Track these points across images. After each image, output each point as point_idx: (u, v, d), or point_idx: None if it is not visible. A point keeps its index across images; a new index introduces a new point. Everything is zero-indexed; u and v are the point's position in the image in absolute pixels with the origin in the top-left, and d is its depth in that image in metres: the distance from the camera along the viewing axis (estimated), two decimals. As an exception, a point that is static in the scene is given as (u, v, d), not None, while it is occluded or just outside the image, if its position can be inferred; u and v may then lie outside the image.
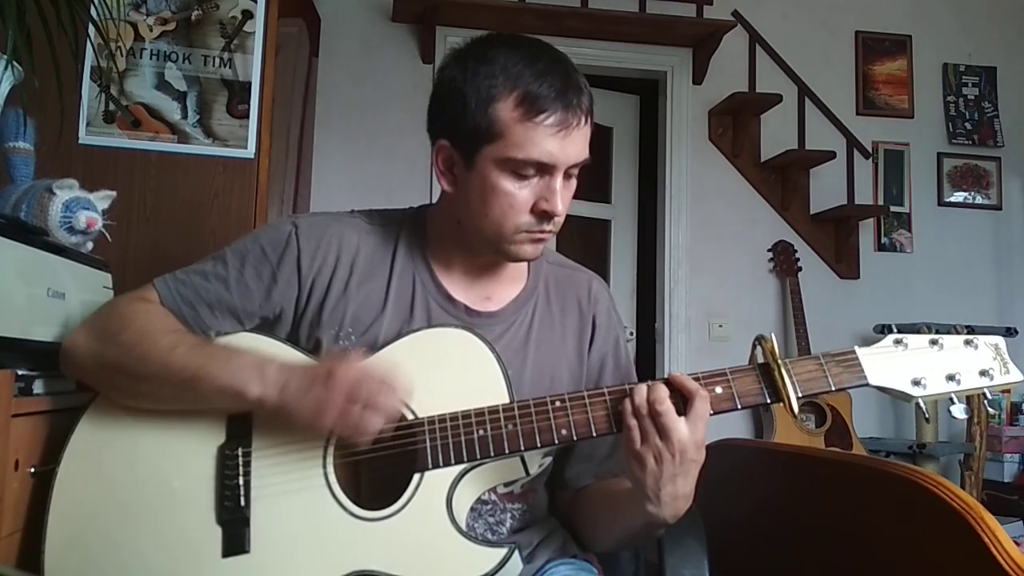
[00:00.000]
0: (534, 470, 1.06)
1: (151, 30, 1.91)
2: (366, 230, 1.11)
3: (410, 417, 0.97)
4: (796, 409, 0.95)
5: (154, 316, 1.02)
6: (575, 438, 0.96)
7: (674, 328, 3.51)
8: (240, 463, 0.96)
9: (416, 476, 0.96)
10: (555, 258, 1.21)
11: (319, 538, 0.94)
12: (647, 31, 3.50)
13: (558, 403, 0.96)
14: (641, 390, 0.94)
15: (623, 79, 3.76)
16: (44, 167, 1.36)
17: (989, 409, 1.01)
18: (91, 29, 1.51)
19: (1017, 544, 0.91)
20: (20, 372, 0.98)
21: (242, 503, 0.95)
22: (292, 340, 1.06)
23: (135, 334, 0.98)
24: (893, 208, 3.69)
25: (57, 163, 1.54)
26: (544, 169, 0.99)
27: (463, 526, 0.96)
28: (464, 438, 0.96)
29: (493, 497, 1.07)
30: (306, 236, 1.07)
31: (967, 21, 3.85)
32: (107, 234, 1.32)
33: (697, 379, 0.96)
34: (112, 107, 1.88)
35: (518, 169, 0.98)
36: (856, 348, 0.99)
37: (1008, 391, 3.27)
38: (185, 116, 1.91)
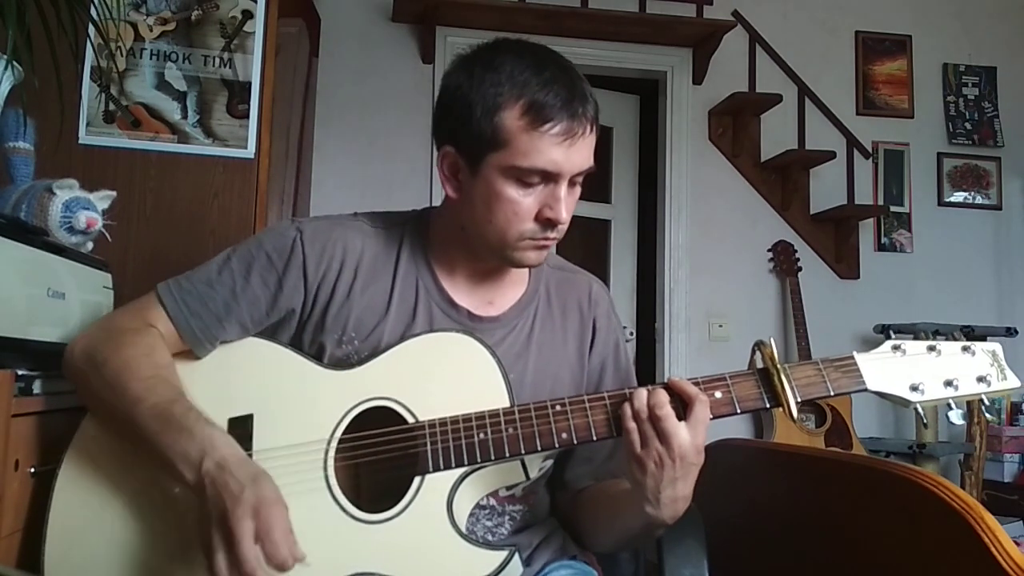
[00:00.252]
0: (534, 474, 1.06)
1: (151, 30, 1.91)
2: (370, 234, 1.11)
3: (411, 421, 0.97)
4: (795, 414, 0.96)
5: (139, 352, 0.98)
6: (575, 442, 0.96)
7: (674, 328, 3.51)
8: None
9: (417, 479, 0.96)
10: (555, 261, 1.21)
11: (320, 540, 0.94)
12: (647, 31, 3.50)
13: (558, 407, 0.96)
14: (641, 395, 0.93)
15: (623, 79, 3.76)
16: (44, 167, 1.36)
17: (987, 416, 1.02)
18: (91, 29, 1.51)
19: (1017, 544, 0.91)
20: (20, 372, 0.98)
21: None
22: (295, 344, 1.06)
23: (113, 371, 0.96)
24: (893, 208, 3.69)
25: (57, 163, 1.54)
26: (549, 177, 0.99)
27: (463, 529, 0.96)
28: (465, 441, 0.95)
29: (492, 501, 1.07)
30: (311, 241, 1.07)
31: (967, 21, 3.85)
32: (107, 234, 1.32)
33: (697, 384, 0.96)
34: (112, 107, 1.88)
35: (523, 177, 0.98)
36: (855, 354, 1.00)
37: (1008, 391, 3.29)
38: (185, 116, 1.91)
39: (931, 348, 1.00)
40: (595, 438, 0.96)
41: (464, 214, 1.05)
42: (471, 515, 1.02)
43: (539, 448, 0.96)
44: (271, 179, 2.01)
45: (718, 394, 0.96)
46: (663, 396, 0.93)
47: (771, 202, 3.61)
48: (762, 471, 1.47)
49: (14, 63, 1.20)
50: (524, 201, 1.00)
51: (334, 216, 1.14)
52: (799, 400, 0.96)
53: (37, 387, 1.02)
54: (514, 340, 1.10)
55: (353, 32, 3.39)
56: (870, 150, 3.70)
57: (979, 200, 3.78)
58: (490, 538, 1.06)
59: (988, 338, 1.60)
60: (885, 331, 1.02)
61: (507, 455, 0.96)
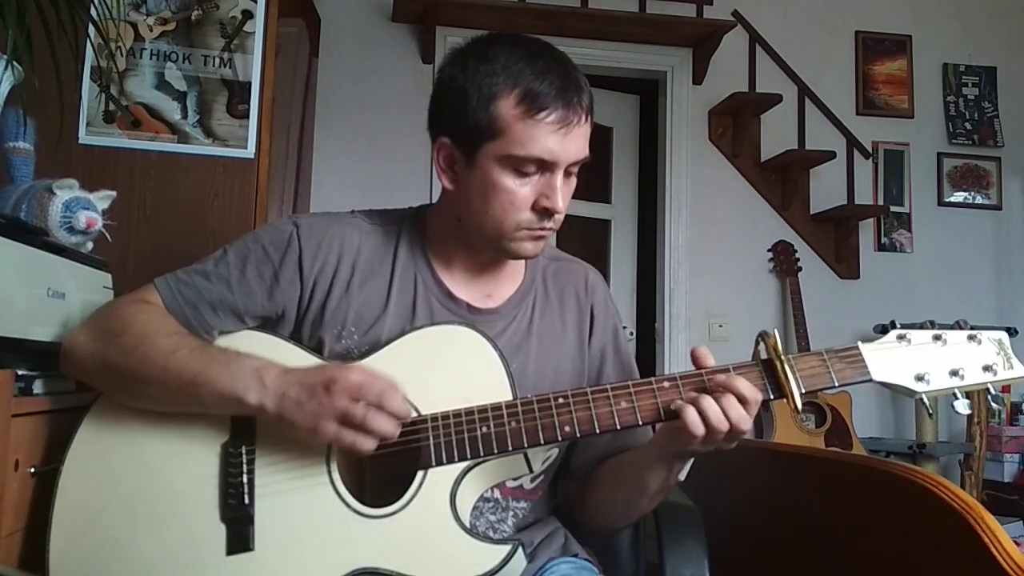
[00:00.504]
0: (537, 467, 1.06)
1: (151, 30, 1.91)
2: (367, 230, 1.11)
3: (413, 415, 0.98)
4: (799, 405, 0.95)
5: (155, 318, 1.01)
6: (578, 435, 0.96)
7: (674, 328, 3.51)
8: (244, 461, 0.96)
9: (420, 473, 0.96)
10: (550, 252, 1.21)
11: (323, 535, 0.94)
12: (647, 31, 3.50)
13: (561, 400, 0.96)
14: (717, 411, 0.92)
15: (623, 79, 3.76)
16: (44, 167, 1.36)
17: (993, 405, 1.01)
18: (91, 29, 1.51)
19: (1017, 544, 0.91)
20: (20, 372, 0.98)
21: (246, 501, 0.95)
22: (295, 339, 1.06)
23: (135, 336, 0.98)
24: (893, 208, 3.70)
25: (57, 163, 1.54)
26: (545, 166, 0.99)
27: (467, 523, 0.96)
28: (468, 435, 0.96)
29: (496, 494, 1.07)
30: (307, 236, 1.07)
31: (967, 21, 3.85)
32: (107, 234, 1.32)
33: (701, 374, 0.96)
34: (112, 107, 1.88)
35: (519, 166, 0.99)
36: (859, 343, 0.99)
37: (1008, 390, 3.29)
38: (185, 116, 1.91)
39: (936, 337, 0.99)
40: (598, 431, 0.96)
41: (461, 205, 1.06)
42: (475, 509, 1.03)
43: (542, 441, 0.96)
44: (271, 179, 2.01)
45: (723, 377, 0.96)
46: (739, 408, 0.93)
47: (771, 202, 3.61)
48: (762, 471, 1.47)
49: (14, 63, 1.20)
50: (520, 191, 1.00)
51: (331, 213, 1.14)
52: (803, 391, 0.95)
53: (37, 387, 1.02)
54: (514, 331, 1.11)
55: (353, 32, 3.39)
56: (870, 150, 3.71)
57: (979, 200, 3.78)
58: (492, 534, 1.06)
59: (988, 337, 1.59)
60: (885, 331, 1.02)
61: (510, 448, 0.96)
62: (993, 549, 0.90)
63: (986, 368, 0.98)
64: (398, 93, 3.36)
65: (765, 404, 0.98)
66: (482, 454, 0.96)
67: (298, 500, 0.95)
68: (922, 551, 1.04)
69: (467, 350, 1.01)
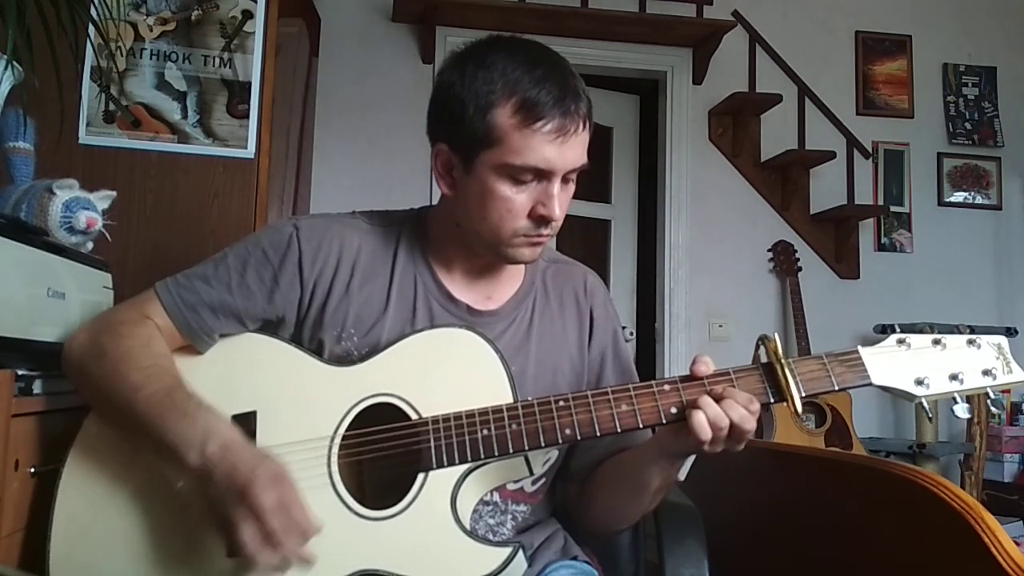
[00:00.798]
0: (538, 469, 1.06)
1: (151, 30, 1.91)
2: (367, 231, 1.11)
3: (414, 417, 0.98)
4: (799, 408, 0.95)
5: (137, 344, 0.99)
6: (579, 437, 0.96)
7: (674, 328, 3.51)
8: None
9: (420, 476, 0.96)
10: (550, 254, 1.21)
11: (324, 538, 0.94)
12: (647, 31, 3.50)
13: (561, 402, 0.96)
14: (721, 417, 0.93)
15: (623, 79, 3.76)
16: (44, 167, 1.36)
17: (992, 408, 1.01)
18: (91, 29, 1.51)
19: (1017, 544, 0.91)
20: (20, 372, 0.98)
21: None
22: (296, 341, 1.06)
23: (111, 363, 0.97)
24: (893, 208, 3.69)
25: (57, 163, 1.54)
26: (542, 175, 0.99)
27: (467, 526, 0.96)
28: (468, 438, 0.96)
29: (496, 497, 1.07)
30: (307, 237, 1.07)
31: (967, 21, 3.85)
32: (107, 234, 1.32)
33: (701, 378, 0.97)
34: (112, 107, 1.88)
35: (516, 175, 0.99)
36: (859, 348, 0.99)
37: (1008, 391, 3.29)
38: (185, 116, 1.91)
39: (936, 342, 1.00)
40: (599, 433, 0.96)
41: (458, 211, 1.06)
42: (475, 512, 1.03)
43: (542, 444, 0.96)
44: (271, 179, 2.01)
45: (720, 388, 0.96)
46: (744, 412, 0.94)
47: (771, 202, 3.61)
48: (762, 471, 1.47)
49: (14, 63, 1.19)
50: (517, 198, 1.00)
51: (331, 214, 1.14)
52: (803, 395, 0.95)
53: (37, 387, 1.02)
54: (514, 333, 1.11)
55: (353, 32, 3.39)
56: (870, 150, 3.70)
57: (979, 200, 3.78)
58: (492, 537, 1.06)
59: (988, 338, 1.59)
60: (885, 331, 1.02)
61: (511, 451, 0.96)
62: (993, 549, 0.90)
63: (985, 372, 0.99)
64: (398, 93, 3.36)
65: (765, 406, 0.99)
66: (483, 456, 0.96)
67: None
68: (922, 551, 1.04)
69: (467, 353, 1.01)
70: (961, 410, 0.99)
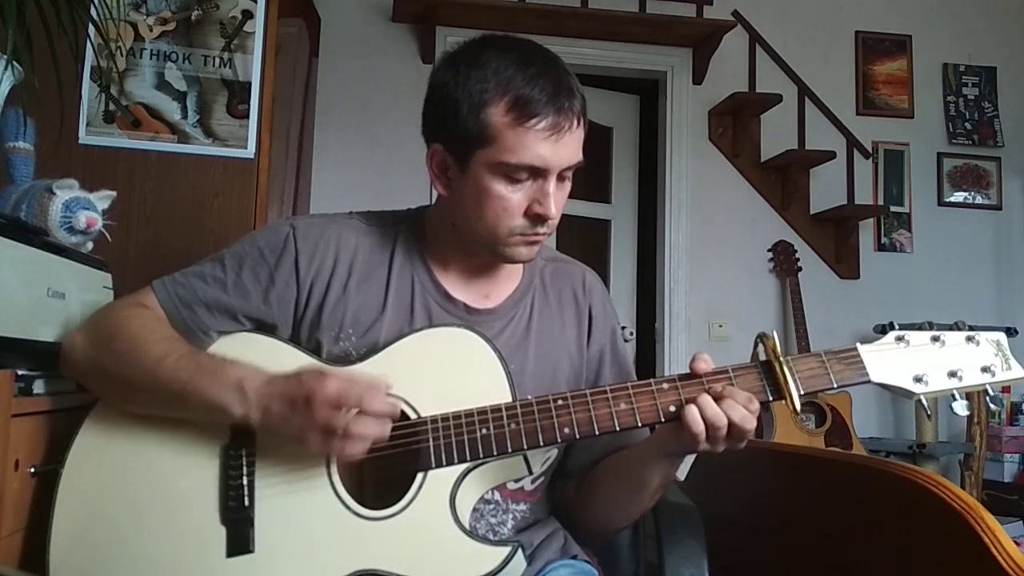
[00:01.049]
0: (537, 468, 1.06)
1: (151, 30, 1.91)
2: (364, 231, 1.11)
3: (413, 416, 0.98)
4: (798, 406, 0.95)
5: (147, 323, 1.01)
6: (578, 436, 0.97)
7: (674, 328, 3.51)
8: (244, 463, 0.96)
9: (419, 475, 0.96)
10: (548, 252, 1.21)
11: (323, 537, 0.94)
12: (647, 31, 3.50)
13: (560, 401, 0.97)
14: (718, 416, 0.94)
15: (623, 79, 3.76)
16: (44, 167, 1.36)
17: (991, 406, 1.02)
18: (91, 29, 1.51)
19: (1017, 544, 0.91)
20: (20, 372, 0.98)
21: (246, 503, 0.95)
22: (293, 341, 1.06)
23: (126, 342, 0.98)
24: (893, 208, 3.69)
25: (57, 163, 1.54)
26: (537, 173, 0.99)
27: (466, 525, 0.96)
28: (467, 437, 0.96)
29: (497, 496, 1.07)
30: (304, 237, 1.07)
31: (967, 21, 3.84)
32: (107, 234, 1.32)
33: (699, 376, 0.97)
34: (112, 107, 1.88)
35: (511, 173, 0.99)
36: (858, 345, 0.99)
37: (1008, 391, 3.29)
38: (185, 116, 1.91)
39: (935, 339, 0.99)
40: (597, 432, 0.96)
41: (455, 211, 1.06)
42: (475, 511, 1.03)
43: (542, 443, 0.96)
44: (271, 179, 2.02)
45: (720, 387, 0.96)
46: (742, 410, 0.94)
47: (771, 202, 3.61)
48: (762, 471, 1.47)
49: (14, 63, 1.20)
50: (512, 197, 1.00)
51: (329, 214, 1.15)
52: (802, 393, 0.95)
53: (37, 387, 1.02)
54: (513, 331, 1.11)
55: (353, 32, 3.39)
56: (870, 150, 3.70)
57: (979, 200, 3.78)
58: (491, 536, 1.06)
59: (988, 338, 1.59)
60: (885, 331, 1.02)
61: (509, 451, 0.96)
62: (993, 549, 0.90)
63: (984, 369, 0.99)
64: (398, 93, 3.35)
65: (765, 405, 0.99)
66: (482, 456, 0.96)
67: (298, 502, 0.95)
68: (922, 551, 1.04)
69: (466, 352, 1.01)
70: (960, 407, 0.99)
